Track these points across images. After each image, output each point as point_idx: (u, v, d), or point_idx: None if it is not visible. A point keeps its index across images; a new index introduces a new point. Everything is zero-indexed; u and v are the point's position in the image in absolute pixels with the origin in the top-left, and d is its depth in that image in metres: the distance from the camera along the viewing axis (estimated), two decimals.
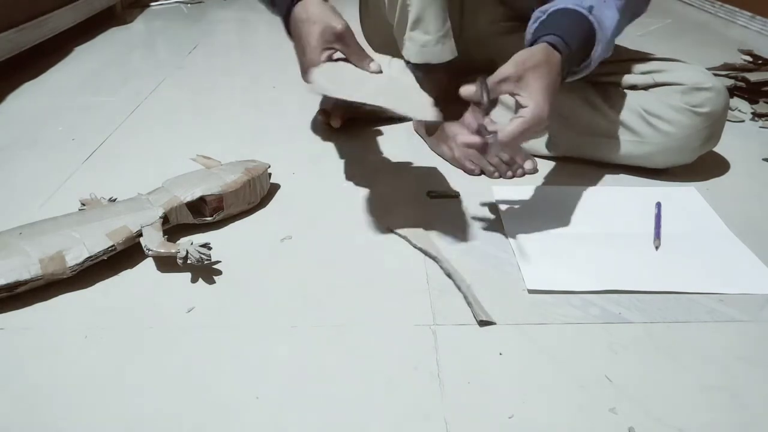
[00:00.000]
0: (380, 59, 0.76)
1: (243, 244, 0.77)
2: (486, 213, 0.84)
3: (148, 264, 0.73)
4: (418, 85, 0.73)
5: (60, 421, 0.52)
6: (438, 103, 0.99)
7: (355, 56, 0.73)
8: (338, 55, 0.74)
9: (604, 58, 0.80)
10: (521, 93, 0.68)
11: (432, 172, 0.96)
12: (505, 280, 0.70)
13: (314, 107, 1.14)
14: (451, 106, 0.98)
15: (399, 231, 0.79)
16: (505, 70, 0.69)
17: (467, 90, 0.68)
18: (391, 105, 0.67)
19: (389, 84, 0.73)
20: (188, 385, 0.56)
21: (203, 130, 1.13)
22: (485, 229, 0.80)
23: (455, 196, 0.88)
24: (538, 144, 0.98)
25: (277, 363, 0.59)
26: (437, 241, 0.77)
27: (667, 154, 0.90)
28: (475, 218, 0.83)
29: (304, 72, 0.75)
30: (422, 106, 0.69)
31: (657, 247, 0.75)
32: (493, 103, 0.70)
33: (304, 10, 0.75)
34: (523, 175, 0.94)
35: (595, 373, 0.57)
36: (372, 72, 0.73)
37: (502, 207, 0.84)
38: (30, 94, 1.32)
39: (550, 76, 0.69)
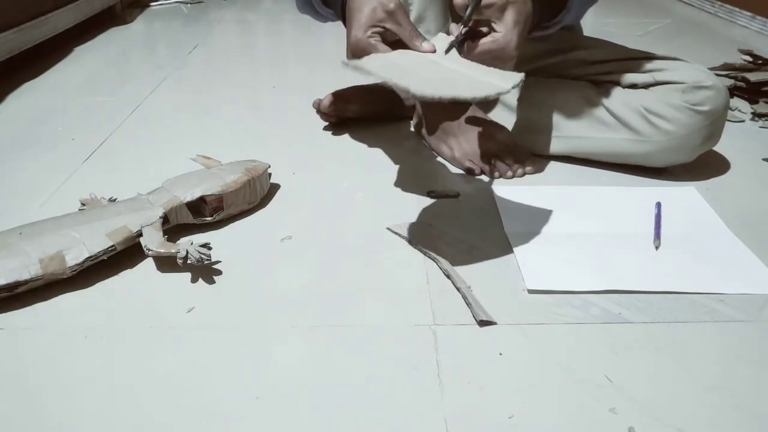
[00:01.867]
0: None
1: (243, 244, 0.77)
2: (486, 213, 0.84)
3: (148, 264, 0.73)
4: (474, 64, 0.72)
5: (60, 421, 0.52)
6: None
7: (406, 35, 0.72)
8: (383, 48, 0.72)
9: (573, 22, 0.92)
10: (498, 22, 0.74)
11: (432, 172, 0.96)
12: (505, 280, 0.70)
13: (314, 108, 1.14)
14: (452, 106, 0.98)
15: (399, 231, 0.79)
16: None
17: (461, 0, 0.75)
18: (457, 93, 0.64)
19: (445, 72, 0.71)
20: (188, 385, 0.56)
21: (203, 130, 1.13)
22: (485, 229, 0.80)
23: (455, 196, 0.88)
24: (539, 144, 0.98)
25: (277, 363, 0.59)
26: (437, 241, 0.77)
27: (668, 152, 0.90)
28: (475, 218, 0.83)
29: (348, 49, 0.75)
30: (491, 84, 0.67)
31: (657, 247, 0.75)
32: (468, 22, 0.75)
33: None
34: (523, 175, 0.94)
35: (595, 373, 0.57)
36: (425, 51, 0.72)
37: (502, 207, 0.84)
38: (30, 94, 1.32)
39: (524, 15, 0.76)
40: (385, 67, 0.66)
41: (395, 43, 0.73)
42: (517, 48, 0.74)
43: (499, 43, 0.73)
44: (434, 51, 0.72)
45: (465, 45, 0.75)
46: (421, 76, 0.67)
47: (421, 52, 0.71)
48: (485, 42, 0.74)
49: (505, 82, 0.66)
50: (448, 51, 0.73)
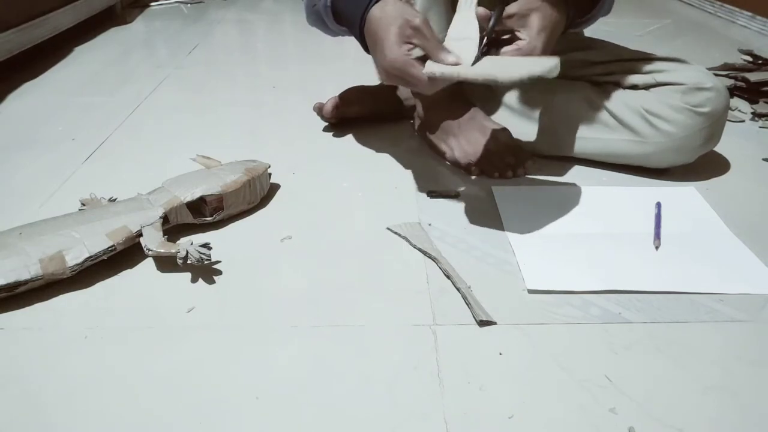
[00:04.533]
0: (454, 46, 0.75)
1: (243, 244, 0.77)
2: (486, 213, 0.84)
3: (148, 264, 0.73)
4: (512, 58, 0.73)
5: (60, 421, 0.52)
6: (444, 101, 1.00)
7: (433, 49, 0.72)
8: (417, 52, 0.72)
9: (606, 14, 0.91)
10: (522, 30, 0.74)
11: (432, 172, 0.96)
12: (505, 280, 0.70)
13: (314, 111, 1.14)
14: (454, 106, 0.98)
15: (398, 231, 0.79)
16: (512, 7, 0.74)
17: (484, 10, 0.74)
18: (510, 75, 0.69)
19: (491, 60, 0.73)
20: (188, 385, 0.56)
21: (203, 130, 1.13)
22: (485, 229, 0.80)
23: (455, 196, 0.88)
24: (539, 144, 0.98)
25: (277, 363, 0.59)
26: (437, 241, 0.77)
27: (668, 153, 0.90)
28: (475, 218, 0.83)
29: (381, 70, 0.74)
30: (535, 63, 0.70)
31: (657, 247, 0.75)
32: (492, 35, 0.75)
33: (380, 11, 0.74)
34: (523, 175, 0.94)
35: (595, 373, 0.57)
36: (450, 63, 0.71)
37: (502, 207, 0.84)
38: (30, 94, 1.32)
39: (550, 20, 0.74)
40: (455, 68, 0.69)
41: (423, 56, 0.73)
42: (543, 54, 0.73)
43: (524, 51, 0.73)
44: (459, 63, 0.72)
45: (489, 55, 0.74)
46: (486, 66, 0.71)
47: (446, 64, 0.71)
48: (508, 50, 0.73)
49: (547, 63, 0.69)
50: (474, 63, 0.72)
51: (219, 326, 0.64)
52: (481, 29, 0.75)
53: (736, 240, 0.77)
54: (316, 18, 0.92)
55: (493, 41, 0.75)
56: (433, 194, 0.89)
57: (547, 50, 0.74)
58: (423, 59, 0.72)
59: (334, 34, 0.93)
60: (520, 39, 0.73)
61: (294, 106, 1.23)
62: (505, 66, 0.71)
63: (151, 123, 1.16)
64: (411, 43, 0.72)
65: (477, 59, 0.72)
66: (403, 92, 1.12)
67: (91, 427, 0.52)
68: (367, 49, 0.80)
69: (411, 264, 0.73)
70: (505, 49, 0.73)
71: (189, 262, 0.69)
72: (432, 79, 0.70)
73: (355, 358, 0.59)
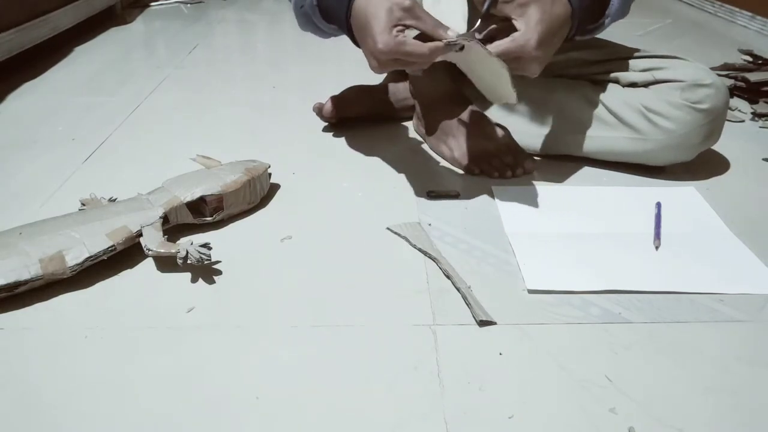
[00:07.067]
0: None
1: (243, 244, 0.77)
2: (486, 213, 0.84)
3: (148, 264, 0.73)
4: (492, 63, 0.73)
5: (60, 421, 0.52)
6: (438, 102, 1.00)
7: (429, 27, 0.70)
8: (410, 33, 0.71)
9: (619, 19, 0.87)
10: (519, 19, 0.73)
11: (432, 172, 0.96)
12: (505, 280, 0.70)
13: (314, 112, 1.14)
14: (452, 105, 0.98)
15: (398, 231, 0.79)
16: None
17: None
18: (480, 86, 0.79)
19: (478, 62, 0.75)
20: (188, 385, 0.56)
21: (203, 130, 1.13)
22: (485, 229, 0.80)
23: (455, 195, 0.88)
24: (539, 144, 0.98)
25: (277, 363, 0.59)
26: (437, 241, 0.77)
27: (668, 151, 0.90)
28: (475, 218, 0.83)
29: (372, 57, 0.73)
30: (502, 94, 0.77)
31: (657, 247, 0.75)
32: (488, 18, 0.76)
33: (365, 0, 0.73)
34: (522, 174, 0.94)
35: (595, 373, 0.57)
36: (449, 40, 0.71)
37: (502, 207, 0.84)
38: (30, 94, 1.32)
39: (550, 15, 0.73)
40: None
41: (417, 37, 0.71)
42: (539, 47, 0.71)
43: (518, 42, 0.71)
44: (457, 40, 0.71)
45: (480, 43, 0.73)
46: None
47: (445, 41, 0.70)
48: (503, 42, 0.71)
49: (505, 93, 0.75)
50: (470, 39, 0.72)
51: (219, 326, 0.64)
52: (477, 13, 0.74)
53: (736, 240, 0.77)
54: (305, 20, 0.91)
55: (488, 39, 0.74)
56: (433, 194, 0.89)
57: (543, 46, 0.72)
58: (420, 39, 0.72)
59: (327, 35, 0.92)
60: (516, 30, 0.72)
61: (294, 106, 1.23)
62: (480, 70, 0.76)
63: (151, 123, 1.16)
64: (403, 26, 0.71)
65: (469, 34, 0.73)
66: (402, 92, 1.12)
67: (91, 427, 0.52)
68: (356, 43, 0.79)
69: (411, 264, 0.73)
70: (499, 41, 0.72)
71: (189, 262, 0.69)
72: (432, 50, 0.70)
73: (355, 358, 0.59)
